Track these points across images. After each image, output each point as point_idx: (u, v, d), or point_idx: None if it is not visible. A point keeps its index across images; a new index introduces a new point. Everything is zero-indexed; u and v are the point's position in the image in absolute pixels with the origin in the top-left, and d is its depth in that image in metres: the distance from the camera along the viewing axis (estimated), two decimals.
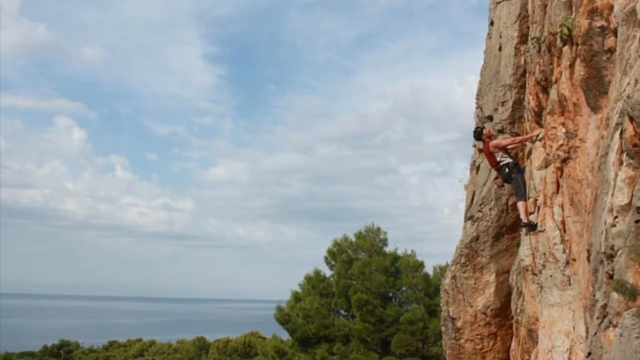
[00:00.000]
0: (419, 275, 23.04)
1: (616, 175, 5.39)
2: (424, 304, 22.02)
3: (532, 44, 8.27)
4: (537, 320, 8.76)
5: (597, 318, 5.39)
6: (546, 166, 8.39)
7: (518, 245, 9.57)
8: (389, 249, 24.12)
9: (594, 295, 5.58)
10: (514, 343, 10.08)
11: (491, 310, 10.46)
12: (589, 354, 5.52)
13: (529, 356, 9.14)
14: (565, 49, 7.10)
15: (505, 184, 9.65)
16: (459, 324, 10.73)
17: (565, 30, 6.90)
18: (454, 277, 10.83)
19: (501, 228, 10.33)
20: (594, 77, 6.55)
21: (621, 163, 5.38)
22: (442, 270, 20.89)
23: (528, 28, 9.24)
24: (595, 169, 6.09)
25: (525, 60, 9.32)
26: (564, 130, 7.55)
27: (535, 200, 8.72)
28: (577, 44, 6.68)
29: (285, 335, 25.96)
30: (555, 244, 8.05)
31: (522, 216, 8.84)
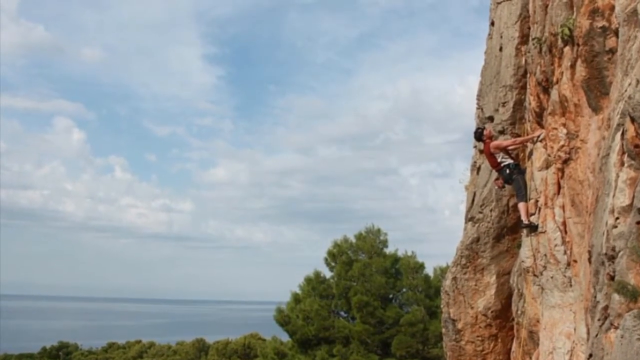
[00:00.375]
0: (419, 277, 23.01)
1: (617, 176, 5.37)
2: (425, 306, 21.98)
3: (533, 44, 8.25)
4: (538, 321, 8.74)
5: (598, 320, 5.37)
6: (547, 167, 8.36)
7: (519, 246, 9.54)
8: (389, 250, 24.11)
9: (595, 297, 5.56)
10: (514, 345, 10.05)
11: (492, 311, 10.43)
12: (590, 355, 5.50)
13: (530, 358, 9.10)
14: (567, 49, 7.08)
15: (506, 185, 9.63)
16: (459, 325, 10.70)
17: (567, 31, 6.88)
18: (454, 278, 10.80)
19: (502, 229, 10.30)
20: (595, 77, 6.53)
21: (622, 164, 5.37)
22: (443, 271, 20.86)
23: (529, 28, 9.21)
24: (597, 170, 6.07)
25: (526, 61, 9.30)
26: (565, 131, 7.53)
27: (536, 201, 8.70)
28: (578, 45, 6.66)
29: (285, 337, 25.92)
30: (556, 245, 8.02)
31: (523, 217, 8.81)
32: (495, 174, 9.88)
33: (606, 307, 5.22)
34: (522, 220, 8.88)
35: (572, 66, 6.99)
